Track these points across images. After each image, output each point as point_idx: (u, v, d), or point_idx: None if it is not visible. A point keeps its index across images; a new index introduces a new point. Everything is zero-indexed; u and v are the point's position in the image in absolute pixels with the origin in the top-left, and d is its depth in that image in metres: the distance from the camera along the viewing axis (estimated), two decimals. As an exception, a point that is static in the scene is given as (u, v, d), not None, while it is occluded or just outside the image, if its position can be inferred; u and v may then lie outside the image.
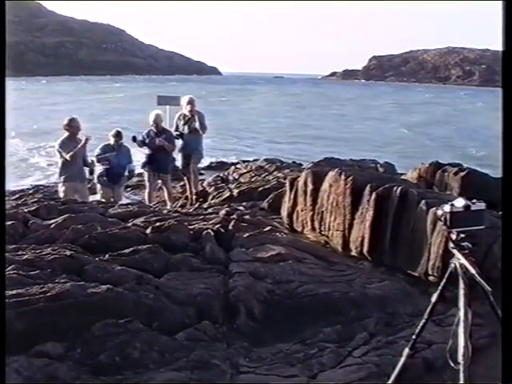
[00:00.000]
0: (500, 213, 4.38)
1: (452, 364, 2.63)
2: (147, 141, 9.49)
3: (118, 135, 9.15)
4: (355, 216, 5.20)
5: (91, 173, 8.88)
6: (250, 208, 7.56)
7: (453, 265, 2.71)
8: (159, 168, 9.56)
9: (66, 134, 8.56)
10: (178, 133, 9.71)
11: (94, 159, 8.92)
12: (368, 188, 5.14)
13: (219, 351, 3.50)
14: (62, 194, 8.50)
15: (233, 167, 13.65)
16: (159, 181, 9.78)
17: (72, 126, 8.54)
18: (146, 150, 9.62)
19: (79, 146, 8.43)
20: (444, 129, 39.10)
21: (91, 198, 8.67)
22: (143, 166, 9.78)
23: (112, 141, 9.07)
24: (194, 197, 10.06)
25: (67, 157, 8.37)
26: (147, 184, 9.85)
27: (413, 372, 3.26)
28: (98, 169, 8.98)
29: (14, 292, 3.45)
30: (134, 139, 9.57)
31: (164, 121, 10.29)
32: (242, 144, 29.55)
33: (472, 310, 2.64)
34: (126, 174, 9.36)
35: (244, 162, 14.83)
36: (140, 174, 12.35)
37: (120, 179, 9.21)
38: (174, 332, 3.59)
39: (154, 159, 9.48)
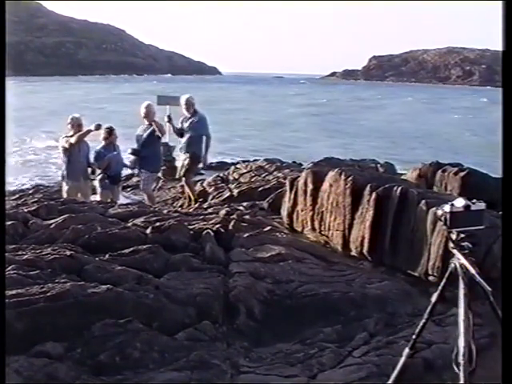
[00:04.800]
0: (500, 213, 4.38)
1: (456, 370, 2.62)
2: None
3: (112, 132, 9.02)
4: (355, 216, 5.20)
5: (93, 172, 8.83)
6: (250, 208, 7.55)
7: (453, 265, 2.71)
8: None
9: (71, 132, 8.51)
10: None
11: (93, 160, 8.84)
12: (368, 188, 5.13)
13: (219, 351, 3.49)
14: (65, 194, 8.48)
15: (233, 167, 13.67)
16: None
17: (74, 125, 8.48)
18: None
19: (83, 132, 8.34)
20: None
21: (91, 198, 8.65)
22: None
23: (108, 140, 8.93)
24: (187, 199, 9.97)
25: (71, 140, 8.29)
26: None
27: (413, 372, 3.26)
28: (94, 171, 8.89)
29: (14, 292, 3.45)
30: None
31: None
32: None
33: (472, 310, 2.64)
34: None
35: (244, 161, 14.85)
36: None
37: (120, 179, 9.19)
38: (173, 332, 3.59)
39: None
